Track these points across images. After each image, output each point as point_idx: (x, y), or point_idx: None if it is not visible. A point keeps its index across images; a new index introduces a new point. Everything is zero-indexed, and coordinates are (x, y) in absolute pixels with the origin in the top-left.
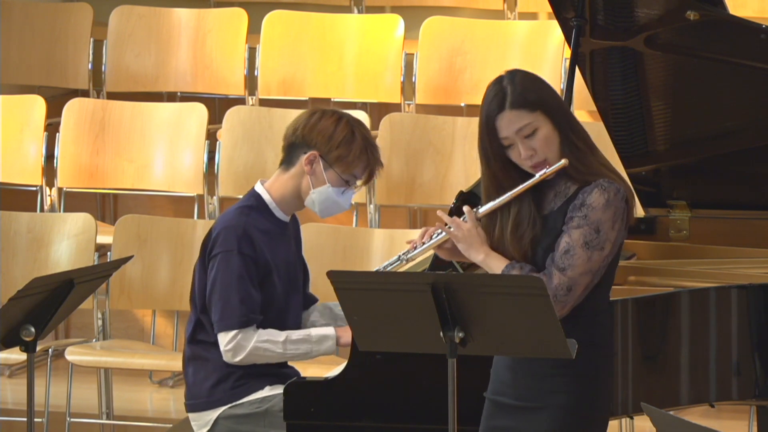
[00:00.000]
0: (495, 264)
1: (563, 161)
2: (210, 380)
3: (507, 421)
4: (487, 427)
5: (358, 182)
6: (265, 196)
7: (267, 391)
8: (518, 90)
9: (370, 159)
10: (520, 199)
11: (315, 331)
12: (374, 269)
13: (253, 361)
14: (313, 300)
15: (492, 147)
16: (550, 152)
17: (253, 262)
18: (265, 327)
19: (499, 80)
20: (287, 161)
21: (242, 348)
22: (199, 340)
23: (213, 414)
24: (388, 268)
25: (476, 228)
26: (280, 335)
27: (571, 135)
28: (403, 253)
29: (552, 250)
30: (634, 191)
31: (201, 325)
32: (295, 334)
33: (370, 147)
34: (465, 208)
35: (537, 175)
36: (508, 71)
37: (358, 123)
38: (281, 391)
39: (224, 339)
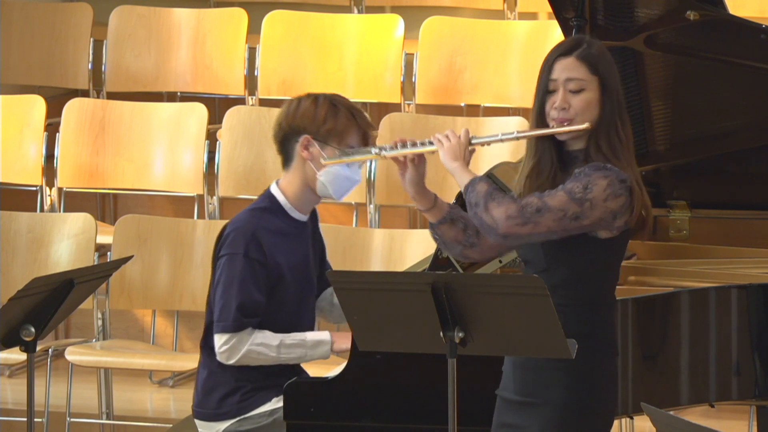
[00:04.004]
0: (465, 174)
1: (586, 124)
2: (218, 393)
3: (511, 418)
4: (495, 423)
5: None
6: (280, 197)
7: (274, 403)
8: (594, 51)
9: (360, 124)
10: (541, 151)
11: (311, 336)
12: (338, 154)
13: (247, 363)
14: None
15: (539, 84)
16: (582, 117)
17: (260, 265)
18: (277, 329)
19: (582, 36)
20: (286, 158)
21: (236, 350)
22: (211, 347)
23: (220, 426)
24: (356, 155)
25: (467, 145)
26: (275, 339)
27: (616, 119)
28: (379, 147)
29: None
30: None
31: (212, 329)
32: (290, 338)
33: (356, 113)
34: (463, 129)
35: (554, 127)
36: (592, 39)
37: (337, 96)
38: None
39: (219, 340)
